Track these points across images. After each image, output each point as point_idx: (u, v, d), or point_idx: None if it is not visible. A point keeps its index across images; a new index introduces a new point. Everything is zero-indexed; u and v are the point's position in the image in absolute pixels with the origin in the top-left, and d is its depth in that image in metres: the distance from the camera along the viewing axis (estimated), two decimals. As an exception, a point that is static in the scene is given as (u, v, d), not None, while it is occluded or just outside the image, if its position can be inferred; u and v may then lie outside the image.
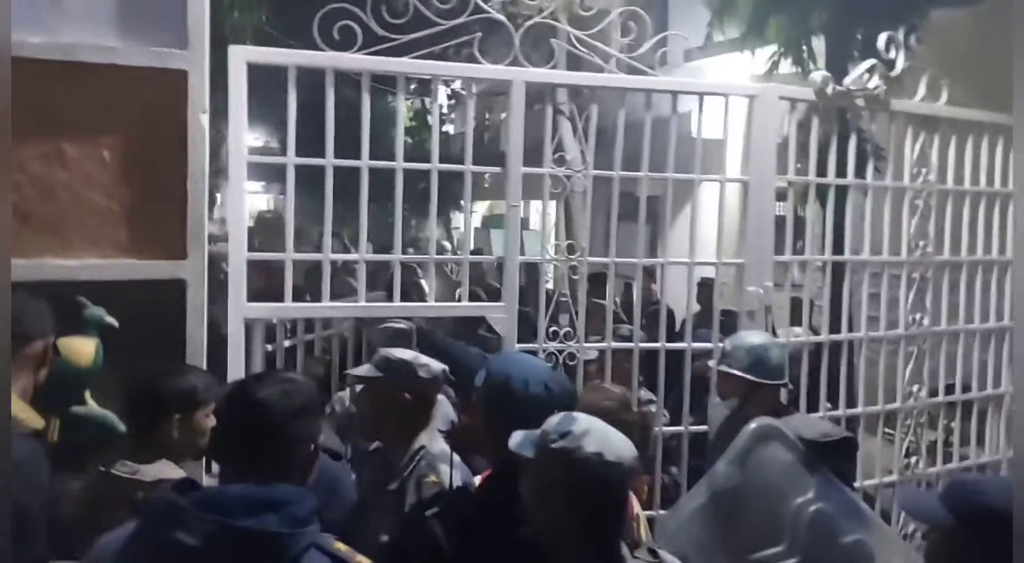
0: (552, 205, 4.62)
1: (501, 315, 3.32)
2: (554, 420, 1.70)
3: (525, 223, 14.31)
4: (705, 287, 4.48)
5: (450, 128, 16.71)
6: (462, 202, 3.35)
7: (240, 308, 2.90)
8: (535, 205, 15.62)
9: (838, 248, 4.02)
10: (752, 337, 3.17)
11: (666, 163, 3.49)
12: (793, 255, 3.94)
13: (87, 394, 2.42)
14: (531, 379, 1.98)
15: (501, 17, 3.24)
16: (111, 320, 2.42)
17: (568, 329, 3.43)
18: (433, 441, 2.31)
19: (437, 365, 2.42)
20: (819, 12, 6.75)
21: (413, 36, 3.14)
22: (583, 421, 1.70)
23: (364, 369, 2.42)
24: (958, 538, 1.67)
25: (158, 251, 2.54)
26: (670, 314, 4.24)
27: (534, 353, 3.29)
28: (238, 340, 2.87)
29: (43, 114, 2.42)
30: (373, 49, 3.11)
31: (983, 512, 1.65)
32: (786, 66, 7.01)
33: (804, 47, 6.79)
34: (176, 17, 2.54)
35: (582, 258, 3.45)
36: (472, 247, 3.93)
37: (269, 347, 3.11)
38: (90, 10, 2.47)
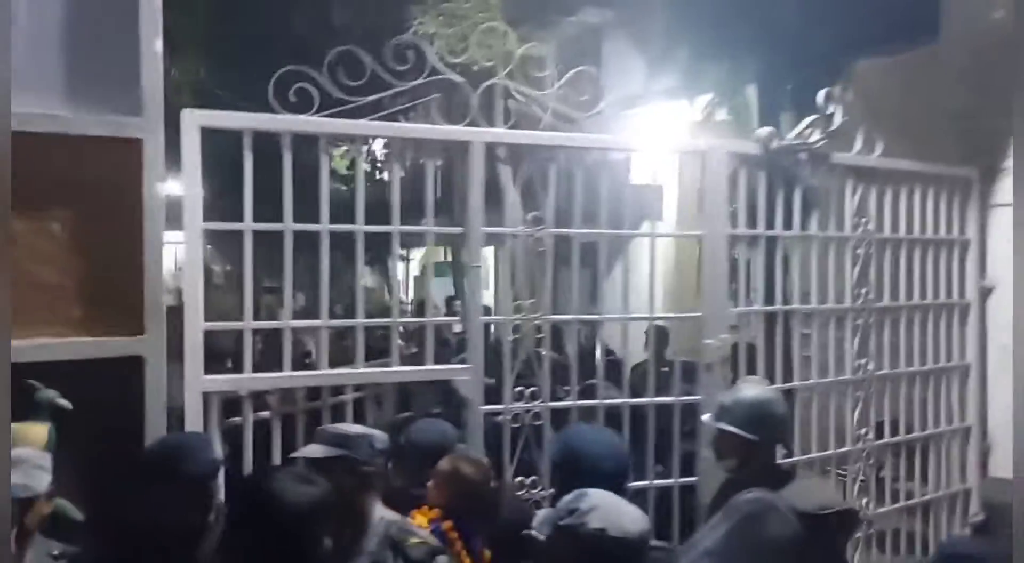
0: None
1: (466, 377, 3.26)
2: (566, 498, 1.79)
3: (465, 270, 14.30)
4: (657, 337, 4.52)
5: (386, 175, 16.70)
6: (400, 251, 3.32)
7: (197, 382, 2.77)
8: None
9: (786, 297, 4.11)
10: (751, 391, 2.95)
11: (607, 216, 3.52)
12: (747, 306, 4.01)
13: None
14: (603, 456, 2.27)
15: (459, 78, 3.25)
16: (64, 402, 2.30)
17: (534, 388, 3.40)
18: (386, 511, 2.33)
19: (382, 434, 2.45)
20: (752, 63, 7.00)
21: (370, 98, 3.13)
22: (592, 498, 1.77)
23: (318, 449, 2.35)
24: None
25: (114, 327, 2.43)
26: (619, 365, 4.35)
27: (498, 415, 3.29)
28: (196, 416, 2.75)
29: (-12, 187, 2.30)
30: (329, 112, 3.07)
31: None
32: (721, 114, 7.24)
33: (738, 97, 7.02)
34: (130, 83, 2.46)
35: (545, 316, 3.44)
36: (412, 297, 3.91)
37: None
38: (40, 78, 2.38)
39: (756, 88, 7.08)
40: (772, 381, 4.24)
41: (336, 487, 2.19)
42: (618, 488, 2.09)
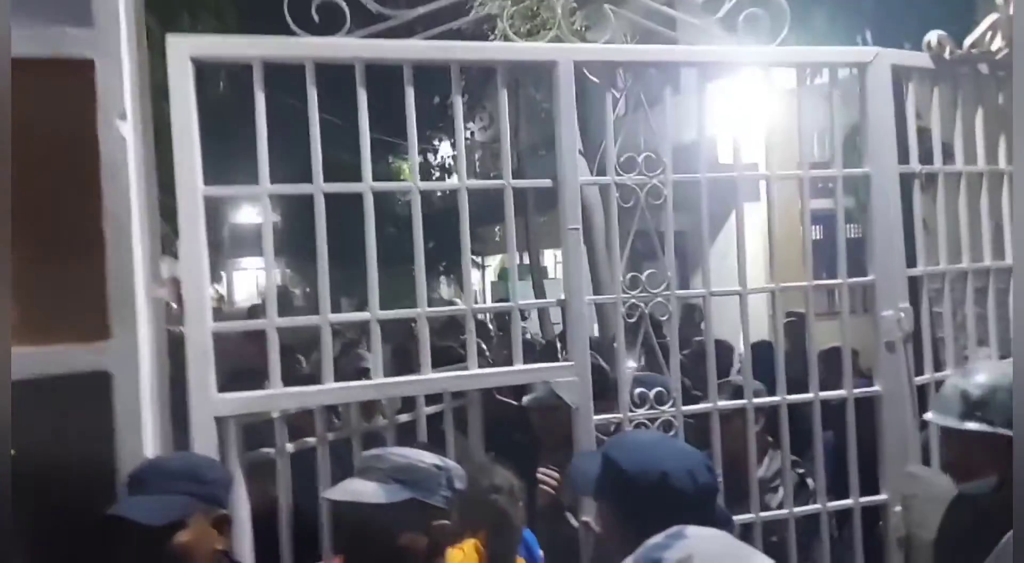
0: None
1: (570, 377, 2.42)
2: (653, 540, 1.23)
3: (544, 273, 13.57)
4: (794, 322, 3.70)
5: (454, 181, 16.01)
6: (474, 257, 2.53)
7: (207, 402, 2.01)
8: (550, 255, 14.86)
9: (975, 253, 3.14)
10: (1005, 372, 1.97)
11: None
12: (928, 266, 3.03)
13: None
14: (695, 470, 1.58)
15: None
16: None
17: (660, 390, 2.53)
18: None
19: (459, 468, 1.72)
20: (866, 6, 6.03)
21: (421, 10, 2.33)
22: (690, 542, 1.18)
23: (373, 490, 1.54)
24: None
25: (64, 332, 1.67)
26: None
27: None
28: (208, 449, 1.98)
29: None
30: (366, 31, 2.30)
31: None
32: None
33: (859, 40, 6.02)
34: (72, -19, 1.70)
35: (668, 292, 2.57)
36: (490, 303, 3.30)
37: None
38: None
39: (871, 35, 6.14)
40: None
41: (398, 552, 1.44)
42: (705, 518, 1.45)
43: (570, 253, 2.44)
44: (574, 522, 2.48)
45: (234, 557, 1.84)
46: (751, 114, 2.87)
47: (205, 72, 2.30)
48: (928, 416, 2.11)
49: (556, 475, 2.65)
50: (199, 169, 2.07)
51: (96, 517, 1.60)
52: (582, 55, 2.46)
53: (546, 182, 2.48)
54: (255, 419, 2.11)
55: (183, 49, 2.08)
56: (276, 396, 2.12)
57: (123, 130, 1.73)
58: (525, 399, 2.81)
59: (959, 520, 2.03)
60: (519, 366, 2.36)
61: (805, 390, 2.73)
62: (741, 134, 2.77)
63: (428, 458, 1.58)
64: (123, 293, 1.72)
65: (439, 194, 12.92)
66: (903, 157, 2.94)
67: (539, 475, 2.67)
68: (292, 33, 2.20)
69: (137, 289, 1.75)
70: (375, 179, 2.25)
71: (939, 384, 2.93)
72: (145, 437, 1.76)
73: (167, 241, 2.20)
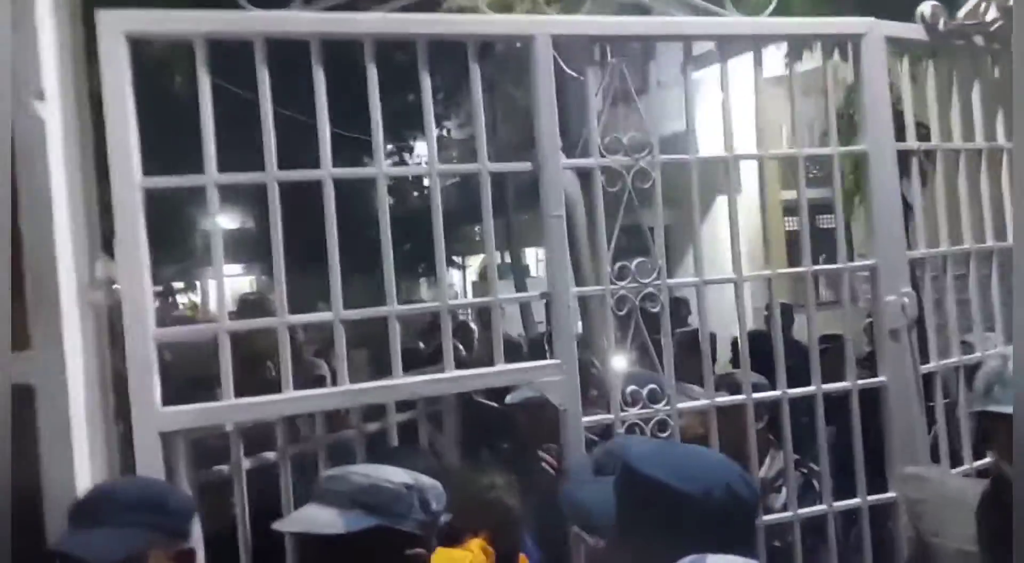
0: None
1: (556, 377, 2.23)
2: None
3: (526, 272, 13.36)
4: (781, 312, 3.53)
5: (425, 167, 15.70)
6: (454, 257, 2.34)
7: (150, 416, 1.80)
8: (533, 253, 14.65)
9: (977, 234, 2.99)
10: None
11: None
12: (927, 249, 2.87)
13: None
14: (742, 473, 1.35)
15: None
16: None
17: (653, 387, 2.35)
18: None
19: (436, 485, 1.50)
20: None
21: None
22: None
23: (330, 518, 1.33)
24: None
25: (-23, 342, 1.46)
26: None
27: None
28: (153, 468, 1.77)
29: None
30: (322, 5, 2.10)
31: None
32: (811, 57, 6.08)
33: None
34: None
35: (658, 282, 2.39)
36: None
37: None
38: None
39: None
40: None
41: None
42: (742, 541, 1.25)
43: (554, 243, 2.25)
44: None
45: None
46: (737, 104, 2.70)
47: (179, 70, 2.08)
48: (1003, 409, 1.68)
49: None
50: (136, 158, 1.86)
51: (21, 551, 1.39)
52: (561, 28, 2.27)
53: (525, 165, 2.28)
54: (207, 434, 1.90)
55: (117, 24, 1.87)
56: (228, 407, 1.91)
57: (41, 111, 1.52)
58: (509, 398, 2.62)
59: (1000, 523, 1.81)
60: (501, 366, 2.17)
61: (797, 383, 2.56)
62: (728, 122, 2.60)
63: (396, 476, 1.38)
64: (46, 297, 1.51)
65: (416, 194, 12.63)
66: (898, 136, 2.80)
67: (540, 453, 2.59)
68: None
69: (63, 292, 1.54)
70: (350, 187, 2.07)
71: (944, 373, 2.82)
72: (78, 458, 1.55)
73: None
